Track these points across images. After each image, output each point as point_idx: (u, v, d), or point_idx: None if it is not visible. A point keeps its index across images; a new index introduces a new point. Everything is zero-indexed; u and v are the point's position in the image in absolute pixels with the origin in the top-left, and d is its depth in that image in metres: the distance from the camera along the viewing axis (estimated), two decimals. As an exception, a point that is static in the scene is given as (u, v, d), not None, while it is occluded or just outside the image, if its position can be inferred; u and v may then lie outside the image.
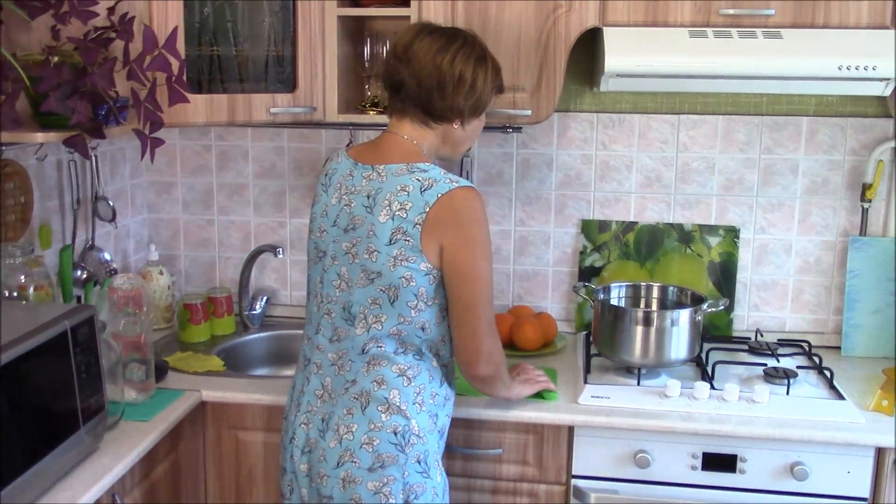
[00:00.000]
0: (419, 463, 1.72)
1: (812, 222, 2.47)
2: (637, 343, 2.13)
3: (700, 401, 2.04)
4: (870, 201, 2.41)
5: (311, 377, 1.80)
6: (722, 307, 2.14)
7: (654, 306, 2.35)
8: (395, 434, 1.70)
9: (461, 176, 2.50)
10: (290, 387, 1.89)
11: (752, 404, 2.03)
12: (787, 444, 1.96)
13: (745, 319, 2.54)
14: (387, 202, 1.70)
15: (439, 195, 1.68)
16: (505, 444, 2.07)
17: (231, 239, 2.71)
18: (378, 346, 1.73)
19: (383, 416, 1.71)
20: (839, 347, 2.46)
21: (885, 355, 2.41)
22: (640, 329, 2.12)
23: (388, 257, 1.70)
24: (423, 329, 1.74)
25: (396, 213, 1.69)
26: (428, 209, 1.68)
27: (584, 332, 2.48)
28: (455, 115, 1.77)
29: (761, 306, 2.53)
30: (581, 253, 2.55)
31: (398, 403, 1.72)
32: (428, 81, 1.73)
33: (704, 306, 2.15)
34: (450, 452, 2.08)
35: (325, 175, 1.85)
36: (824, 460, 1.96)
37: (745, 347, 2.37)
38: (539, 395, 2.05)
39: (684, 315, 2.11)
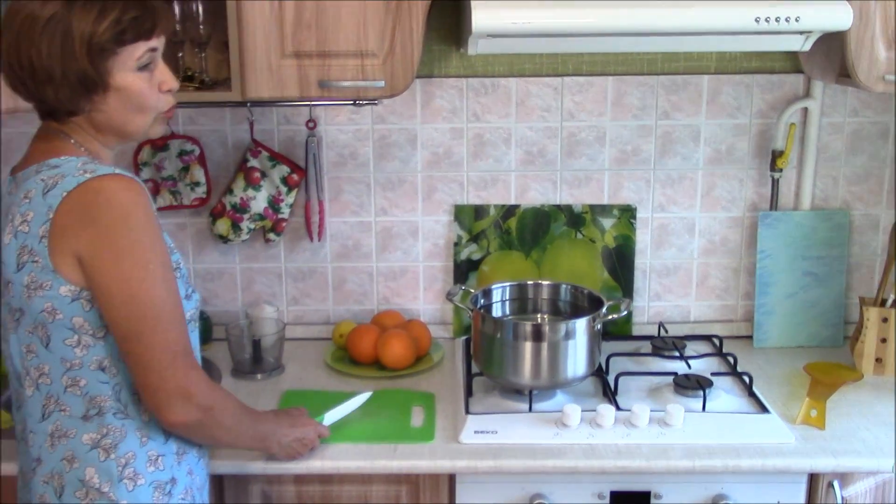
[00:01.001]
0: None
1: (717, 197, 2.14)
2: (526, 362, 1.76)
3: (604, 429, 1.69)
4: (780, 171, 2.10)
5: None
6: (624, 311, 1.78)
7: (545, 308, 1.98)
8: None
9: (307, 160, 2.07)
10: None
11: (664, 428, 1.70)
12: (709, 476, 1.64)
13: (645, 311, 2.21)
14: (10, 217, 1.30)
15: (65, 193, 1.25)
16: (372, 499, 1.68)
17: None
18: (60, 410, 1.33)
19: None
20: (750, 337, 2.17)
21: (799, 344, 2.13)
22: (529, 346, 1.75)
23: (21, 288, 1.28)
24: (103, 370, 1.32)
25: (19, 228, 1.28)
26: (52, 214, 1.25)
27: (465, 338, 2.11)
28: (56, 91, 1.28)
29: (663, 294, 2.21)
30: (455, 244, 2.16)
31: (97, 486, 1.32)
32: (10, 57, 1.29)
33: (603, 310, 1.80)
34: (305, 514, 1.68)
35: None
36: (752, 490, 1.65)
37: (650, 349, 2.04)
38: None
39: (581, 325, 1.75)
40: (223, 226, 2.07)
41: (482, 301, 1.92)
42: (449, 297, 1.86)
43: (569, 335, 1.74)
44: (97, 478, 1.32)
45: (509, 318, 1.96)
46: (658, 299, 2.20)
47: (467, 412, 1.77)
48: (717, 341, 2.08)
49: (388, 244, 2.17)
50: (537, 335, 1.74)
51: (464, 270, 2.16)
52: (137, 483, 1.34)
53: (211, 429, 1.39)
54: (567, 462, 1.62)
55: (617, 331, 2.14)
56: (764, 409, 1.77)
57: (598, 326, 1.78)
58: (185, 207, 2.10)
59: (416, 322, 2.07)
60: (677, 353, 1.99)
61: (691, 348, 2.06)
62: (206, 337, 2.12)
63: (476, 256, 2.16)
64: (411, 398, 1.87)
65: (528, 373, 1.76)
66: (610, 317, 1.77)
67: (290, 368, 2.04)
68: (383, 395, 1.88)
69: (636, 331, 2.19)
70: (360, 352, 2.01)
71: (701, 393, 1.78)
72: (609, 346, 2.07)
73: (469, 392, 1.85)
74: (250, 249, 2.18)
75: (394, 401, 1.86)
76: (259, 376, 1.98)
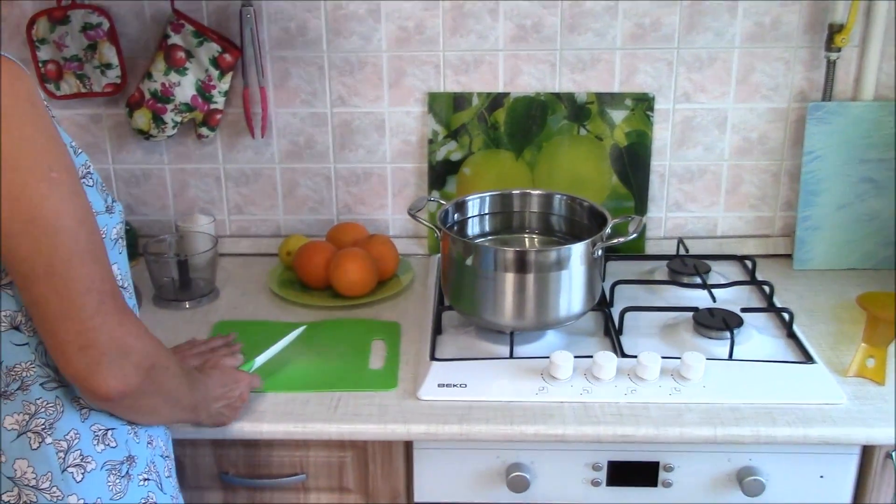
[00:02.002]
0: None
1: (755, 83, 1.71)
2: (507, 298, 1.38)
3: (603, 382, 1.33)
4: (838, 50, 1.66)
5: None
6: (634, 234, 1.39)
7: (534, 225, 1.59)
8: None
9: (242, 37, 1.66)
10: None
11: (679, 382, 1.33)
12: (734, 446, 1.29)
13: (662, 224, 1.82)
14: None
15: None
16: (309, 467, 1.34)
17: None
18: None
19: None
20: (790, 256, 1.78)
21: (851, 266, 1.74)
22: (510, 278, 1.36)
23: None
24: (18, 329, 0.98)
25: None
26: None
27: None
28: None
29: (684, 204, 1.81)
30: (430, 142, 1.76)
31: (34, 482, 0.98)
32: None
33: (607, 231, 1.41)
34: (224, 484, 1.35)
35: None
36: (787, 463, 1.30)
37: (666, 274, 1.66)
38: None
39: (577, 252, 1.36)
40: (142, 118, 1.68)
41: (454, 216, 1.53)
42: (411, 211, 1.47)
43: (561, 264, 1.36)
44: (31, 472, 0.99)
45: (486, 241, 1.58)
46: (678, 209, 1.81)
47: (432, 357, 1.41)
48: (749, 263, 1.69)
49: (348, 141, 1.77)
50: (521, 264, 1.36)
51: (440, 174, 1.77)
52: (87, 469, 1.01)
53: (148, 398, 1.03)
54: (553, 428, 1.26)
55: (626, 248, 1.75)
56: (807, 357, 1.40)
57: (600, 252, 1.39)
58: (97, 95, 1.70)
59: (379, 237, 1.69)
60: (699, 280, 1.60)
61: (717, 272, 1.67)
62: (130, 254, 1.75)
63: (455, 157, 1.76)
64: (371, 329, 1.52)
65: (508, 311, 1.39)
66: (615, 240, 1.38)
67: (227, 293, 1.68)
68: (336, 325, 1.53)
69: (650, 248, 1.81)
70: (309, 274, 1.64)
71: (727, 334, 1.41)
72: (615, 269, 1.69)
73: (438, 329, 1.49)
74: (181, 147, 1.79)
75: (349, 332, 1.51)
76: (187, 304, 1.63)
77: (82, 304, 0.92)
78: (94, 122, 1.77)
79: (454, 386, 1.34)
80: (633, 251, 1.78)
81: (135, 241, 1.79)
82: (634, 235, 1.38)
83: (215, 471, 1.34)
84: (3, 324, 0.97)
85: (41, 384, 0.99)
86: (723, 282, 1.62)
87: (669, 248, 1.78)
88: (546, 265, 1.36)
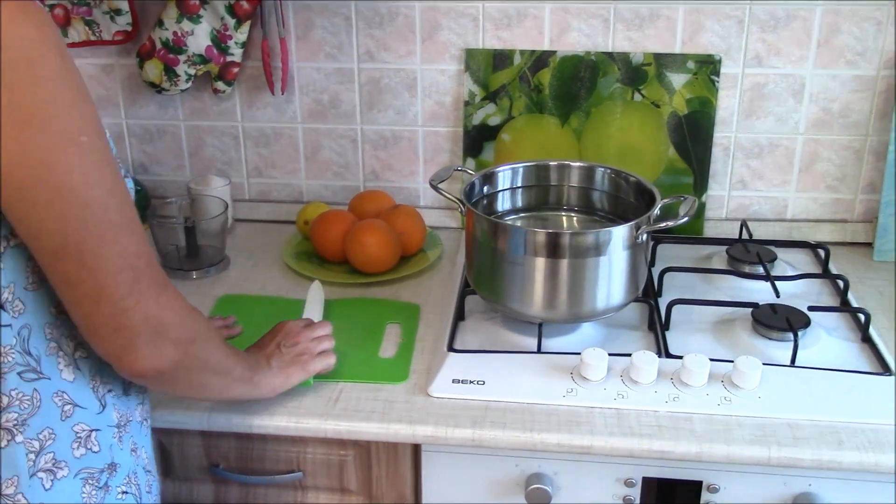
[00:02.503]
0: None
1: (839, 45, 1.50)
2: (537, 285, 1.21)
3: (641, 387, 1.16)
4: (941, 9, 1.43)
5: None
6: (685, 218, 1.20)
7: (573, 202, 1.41)
8: None
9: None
10: None
11: (731, 391, 1.15)
12: (792, 469, 1.11)
13: (724, 203, 1.62)
14: None
15: None
16: (307, 465, 1.21)
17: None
18: None
19: None
20: (869, 245, 1.57)
21: (941, 259, 1.53)
22: (541, 263, 1.19)
23: None
24: (2, 308, 0.84)
25: None
26: None
27: (473, 231, 1.57)
28: None
29: (750, 182, 1.60)
30: (467, 104, 1.58)
31: None
32: None
33: (655, 211, 1.23)
34: (215, 477, 1.22)
35: None
36: (852, 491, 1.11)
37: (724, 261, 1.47)
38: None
39: (619, 235, 1.18)
40: (153, 70, 1.54)
41: (482, 189, 1.36)
42: (433, 182, 1.31)
43: (599, 249, 1.18)
44: None
45: (517, 218, 1.41)
46: (743, 188, 1.61)
47: (450, 348, 1.25)
48: (821, 252, 1.49)
49: (377, 101, 1.61)
50: (553, 248, 1.18)
51: (476, 139, 1.60)
52: (58, 475, 0.89)
53: (194, 373, 0.96)
54: (579, 438, 1.10)
55: (681, 230, 1.55)
56: (884, 367, 1.20)
57: (645, 236, 1.21)
58: (107, 43, 1.58)
59: (404, 208, 1.53)
60: (762, 270, 1.41)
61: (784, 261, 1.47)
62: (140, 216, 1.63)
63: (494, 121, 1.58)
64: (388, 311, 1.38)
65: (538, 301, 1.22)
66: (663, 224, 1.20)
67: (238, 264, 1.54)
68: (350, 305, 1.39)
69: (709, 230, 1.61)
70: (325, 247, 1.50)
71: (790, 336, 1.22)
72: (667, 253, 1.51)
73: (460, 314, 1.33)
74: (196, 102, 1.65)
75: (363, 314, 1.37)
76: (194, 274, 1.50)
77: (116, 284, 0.82)
78: (105, 73, 1.64)
79: (471, 382, 1.18)
80: (690, 233, 1.59)
81: (147, 203, 1.66)
82: (685, 219, 1.19)
83: (205, 463, 1.22)
84: (28, 297, 0.86)
85: (19, 373, 0.86)
86: (790, 273, 1.42)
87: (731, 230, 1.58)
88: (582, 249, 1.18)
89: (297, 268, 1.49)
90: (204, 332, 0.95)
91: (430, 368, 1.22)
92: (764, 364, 1.16)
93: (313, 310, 1.33)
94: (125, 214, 0.83)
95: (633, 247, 1.21)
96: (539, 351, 1.23)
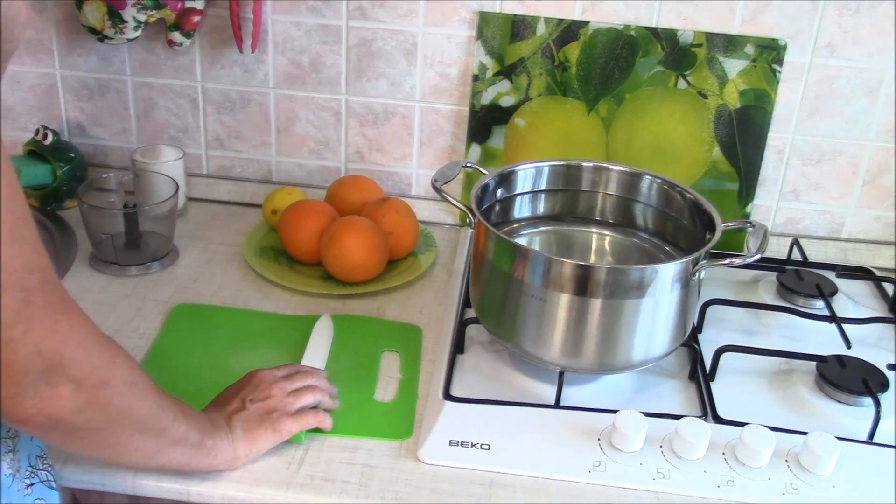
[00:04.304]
0: None
1: (931, 38, 1.24)
2: (559, 328, 0.96)
3: (687, 463, 0.92)
4: None
5: None
6: (756, 255, 0.95)
7: (608, 214, 1.15)
8: None
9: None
10: None
11: (798, 477, 0.91)
12: (872, 583, 0.88)
13: (770, 215, 1.37)
14: None
15: None
16: (260, 537, 0.96)
17: None
18: None
19: None
20: (940, 274, 1.34)
21: None
22: (566, 301, 0.94)
23: None
24: None
25: None
26: None
27: (474, 232, 1.31)
28: None
29: (804, 193, 1.36)
30: (476, 78, 1.31)
31: None
32: None
33: (714, 239, 0.97)
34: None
35: None
36: None
37: (774, 289, 1.23)
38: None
39: (669, 274, 0.93)
40: (94, 14, 1.25)
41: (496, 192, 1.10)
42: (436, 183, 1.04)
43: (642, 289, 0.93)
44: None
45: (537, 233, 1.14)
46: (795, 199, 1.36)
47: (446, 395, 1.00)
48: (890, 288, 1.25)
49: (367, 67, 1.33)
50: (584, 284, 0.93)
51: (485, 122, 1.33)
52: None
53: (107, 427, 0.71)
54: (609, 534, 0.86)
55: (721, 244, 1.30)
56: (982, 450, 0.97)
57: (700, 275, 0.96)
58: (38, -23, 1.28)
59: (394, 203, 1.27)
60: (821, 305, 1.17)
61: (844, 293, 1.24)
62: (73, 189, 1.35)
63: (507, 101, 1.31)
64: (383, 335, 1.11)
65: (558, 346, 0.97)
66: (726, 261, 0.95)
67: (189, 257, 1.27)
68: (338, 324, 1.13)
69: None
70: (297, 246, 1.23)
71: (869, 401, 0.98)
72: (707, 282, 1.26)
73: (459, 348, 1.08)
74: (147, 55, 1.36)
75: (355, 337, 1.11)
76: (133, 269, 1.23)
77: None
78: (36, 12, 1.34)
79: (472, 446, 0.93)
80: (730, 248, 1.34)
81: (83, 174, 1.38)
82: (757, 256, 0.94)
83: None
84: None
85: None
86: (851, 310, 1.19)
87: (777, 247, 1.34)
88: (621, 290, 0.93)
89: (260, 269, 1.22)
90: (124, 373, 0.71)
91: (421, 421, 0.97)
92: (839, 446, 0.93)
93: (316, 356, 1.04)
94: (12, 215, 0.60)
95: (686, 287, 0.95)
96: (557, 405, 0.99)
